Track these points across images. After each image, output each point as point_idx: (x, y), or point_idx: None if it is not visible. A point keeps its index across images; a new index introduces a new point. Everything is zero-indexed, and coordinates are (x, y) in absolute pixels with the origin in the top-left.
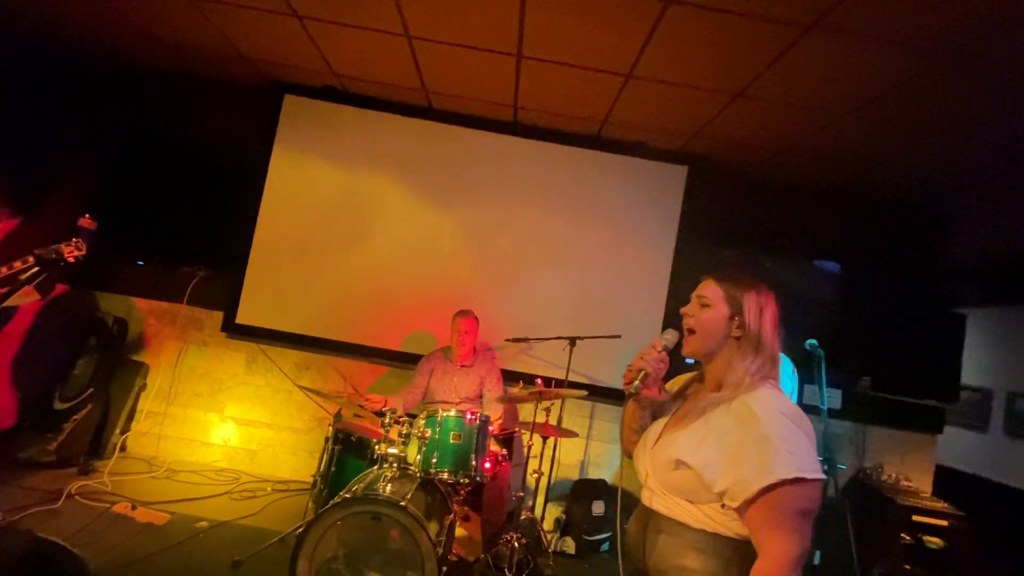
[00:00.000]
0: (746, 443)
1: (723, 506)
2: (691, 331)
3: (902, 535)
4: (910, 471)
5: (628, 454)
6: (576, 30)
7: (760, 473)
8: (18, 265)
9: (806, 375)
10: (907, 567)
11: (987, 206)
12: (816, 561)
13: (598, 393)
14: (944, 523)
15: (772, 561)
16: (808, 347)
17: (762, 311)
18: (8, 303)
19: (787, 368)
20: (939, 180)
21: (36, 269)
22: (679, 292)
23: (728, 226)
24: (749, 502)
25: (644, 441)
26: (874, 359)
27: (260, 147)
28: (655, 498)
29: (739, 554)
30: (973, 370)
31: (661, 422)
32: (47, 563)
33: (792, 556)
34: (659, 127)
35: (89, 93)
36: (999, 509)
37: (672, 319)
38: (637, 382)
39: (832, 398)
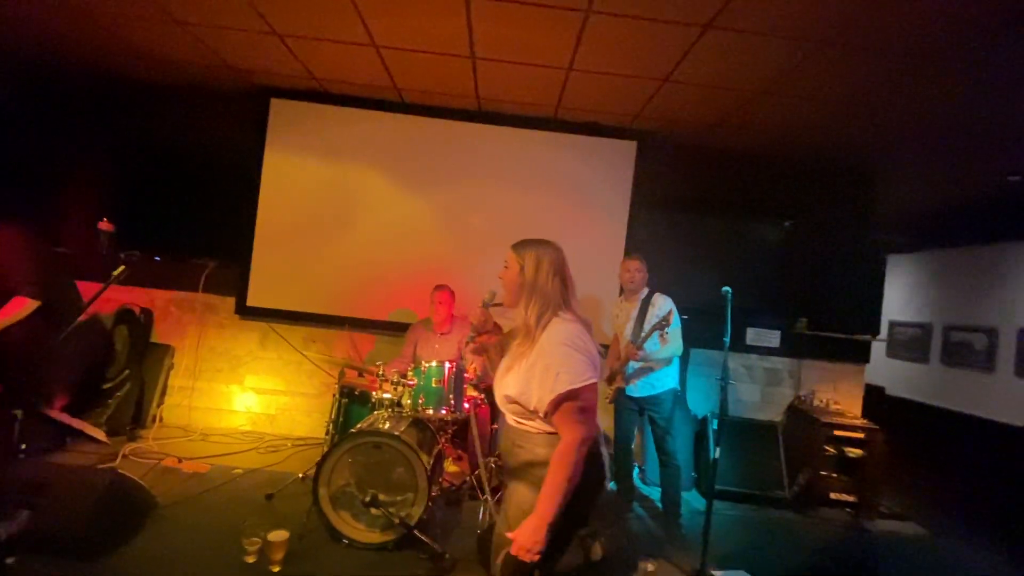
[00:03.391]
0: (538, 372)
1: (543, 417)
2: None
3: (825, 447)
4: (842, 398)
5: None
6: (516, 35)
7: (548, 392)
8: (115, 273)
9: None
10: (824, 473)
11: (909, 163)
12: (715, 455)
13: None
14: (861, 435)
15: (565, 444)
16: (723, 292)
17: (538, 264)
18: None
19: (668, 305)
20: (860, 143)
21: (124, 268)
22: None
23: (676, 192)
24: (548, 412)
25: (496, 378)
26: (810, 302)
27: (254, 147)
28: (508, 418)
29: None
30: (915, 308)
31: (504, 360)
32: (126, 492)
33: (577, 439)
34: (606, 109)
35: (100, 108)
36: (940, 430)
37: None
38: (471, 334)
39: (771, 337)
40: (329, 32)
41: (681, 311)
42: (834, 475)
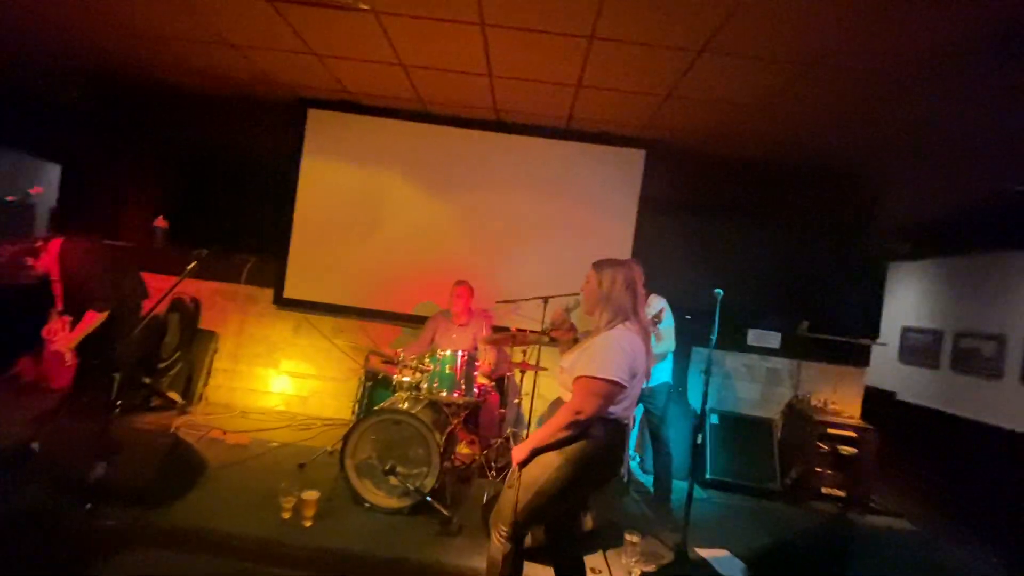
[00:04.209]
0: (587, 354)
1: None
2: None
3: (818, 444)
4: (841, 399)
5: None
6: (528, 57)
7: (582, 369)
8: (188, 267)
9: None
10: (817, 468)
11: (913, 172)
12: (699, 441)
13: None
14: (853, 435)
15: (567, 407)
16: (715, 293)
17: (613, 280)
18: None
19: (659, 304)
20: (861, 152)
21: (196, 263)
22: (639, 256)
23: (683, 198)
24: (575, 383)
25: (562, 359)
26: (811, 306)
27: (293, 152)
28: (561, 391)
29: None
30: (926, 314)
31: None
32: (184, 452)
33: (574, 409)
34: (615, 120)
35: (158, 117)
36: (948, 435)
37: None
38: (546, 326)
39: (772, 338)
40: (361, 53)
41: (685, 312)
42: (827, 471)
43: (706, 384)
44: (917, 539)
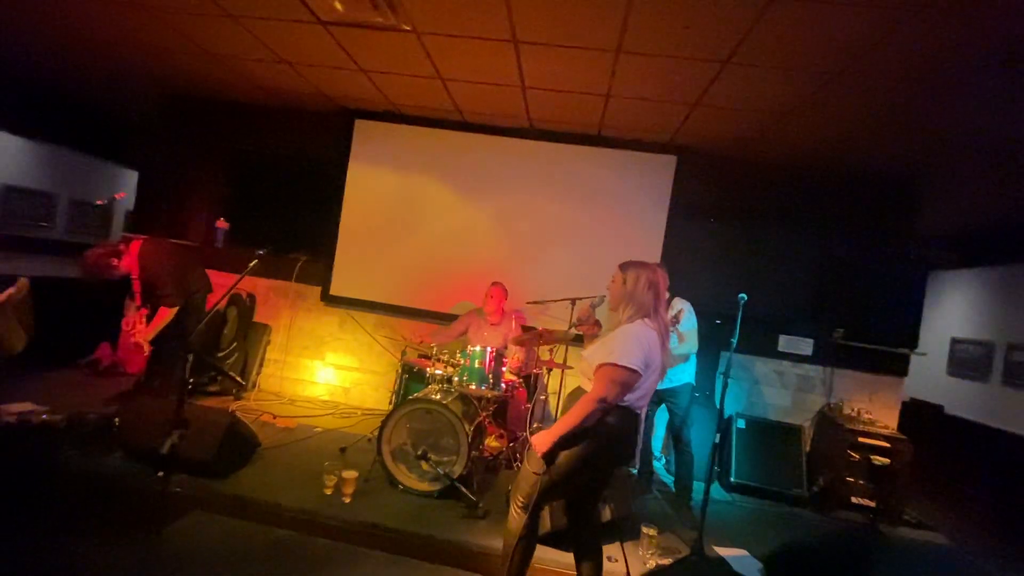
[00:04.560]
0: (605, 344)
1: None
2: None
3: (849, 452)
4: (877, 409)
5: None
6: (559, 70)
7: (601, 358)
8: (251, 264)
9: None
10: (849, 478)
11: (958, 177)
12: (716, 440)
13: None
14: (885, 444)
15: (590, 394)
16: (739, 298)
17: (637, 280)
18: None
19: (679, 306)
20: (899, 158)
21: (257, 261)
22: (668, 261)
23: (714, 203)
24: (596, 371)
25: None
26: (847, 313)
27: (340, 159)
28: (581, 379)
29: None
30: (976, 325)
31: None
32: (240, 432)
33: (597, 395)
34: (645, 127)
35: (219, 126)
36: (997, 451)
37: None
38: (573, 321)
39: (804, 345)
40: (403, 68)
41: (715, 316)
42: (858, 481)
43: (724, 386)
44: (950, 554)
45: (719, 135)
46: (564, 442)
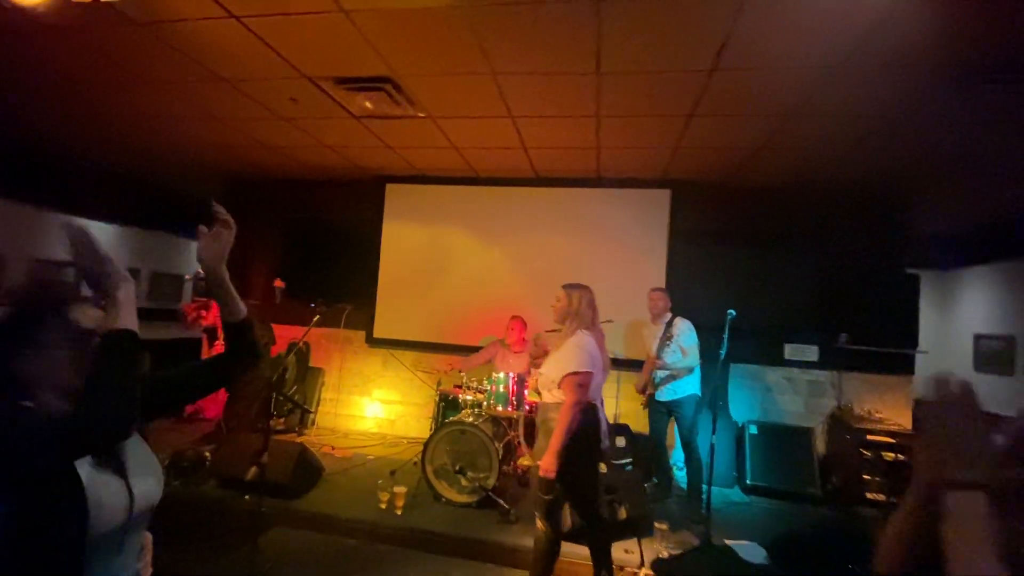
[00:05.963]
0: (561, 360)
1: (559, 387)
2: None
3: (861, 450)
4: (888, 408)
5: None
6: (551, 132)
7: (562, 371)
8: (315, 319)
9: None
10: (866, 476)
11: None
12: (712, 441)
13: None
14: (892, 440)
15: (566, 404)
16: (728, 314)
17: (581, 299)
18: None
19: (679, 324)
20: (878, 175)
21: (319, 317)
22: (674, 284)
23: (711, 227)
24: (560, 383)
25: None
26: (849, 318)
27: (376, 219)
28: (544, 394)
29: None
30: (999, 320)
31: (549, 357)
32: (308, 458)
33: (572, 400)
34: (637, 168)
35: (273, 198)
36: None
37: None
38: (532, 360)
39: (809, 352)
40: (424, 143)
41: (720, 330)
42: (873, 477)
43: (714, 394)
44: None
45: (704, 169)
46: (562, 452)
